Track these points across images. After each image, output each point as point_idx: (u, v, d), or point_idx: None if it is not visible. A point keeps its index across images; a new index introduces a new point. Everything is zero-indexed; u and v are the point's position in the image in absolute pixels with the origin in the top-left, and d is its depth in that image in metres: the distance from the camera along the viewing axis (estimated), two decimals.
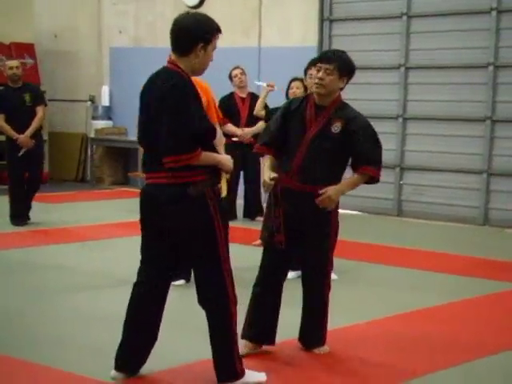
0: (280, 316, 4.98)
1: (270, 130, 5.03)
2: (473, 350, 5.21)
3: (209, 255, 4.25)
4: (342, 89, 4.88)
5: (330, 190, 4.71)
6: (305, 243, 4.87)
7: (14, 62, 9.62)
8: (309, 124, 4.82)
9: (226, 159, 4.39)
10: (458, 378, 4.75)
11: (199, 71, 4.35)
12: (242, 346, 4.79)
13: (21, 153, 9.33)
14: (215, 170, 4.31)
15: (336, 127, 4.78)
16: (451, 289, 6.95)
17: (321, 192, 4.70)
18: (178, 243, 4.31)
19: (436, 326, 5.75)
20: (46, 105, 9.78)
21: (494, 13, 10.30)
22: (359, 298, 6.55)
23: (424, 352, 5.12)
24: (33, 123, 9.39)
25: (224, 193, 4.53)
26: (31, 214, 9.60)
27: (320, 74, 4.77)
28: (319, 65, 4.80)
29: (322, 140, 4.77)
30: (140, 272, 4.44)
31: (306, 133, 4.81)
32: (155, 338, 4.44)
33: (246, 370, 4.41)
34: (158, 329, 4.45)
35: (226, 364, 4.33)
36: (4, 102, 9.45)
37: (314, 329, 5.01)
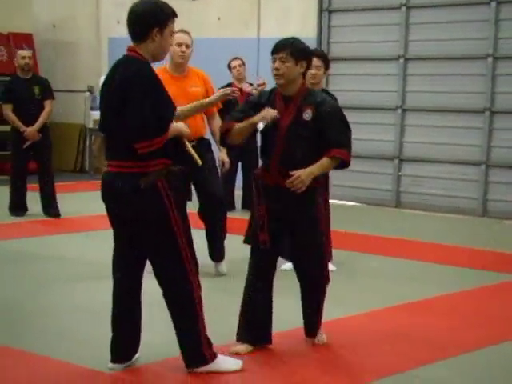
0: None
1: (238, 116, 4.83)
2: (472, 341, 5.21)
3: (166, 246, 4.24)
4: (303, 75, 4.79)
5: (301, 172, 4.59)
6: (295, 239, 4.80)
7: (25, 52, 9.66)
8: (280, 116, 4.71)
9: (182, 125, 4.40)
10: (456, 368, 4.74)
11: (158, 56, 4.30)
12: (244, 347, 4.76)
13: (25, 145, 9.32)
14: (175, 156, 4.28)
15: (307, 114, 4.70)
16: (450, 280, 6.95)
17: (292, 173, 4.60)
18: (134, 234, 4.30)
19: (435, 317, 5.75)
20: (53, 98, 9.74)
21: (493, 4, 10.29)
22: (357, 289, 6.55)
23: (423, 343, 5.12)
24: (40, 117, 9.35)
25: (199, 162, 4.65)
26: (35, 205, 9.48)
27: (276, 65, 4.71)
28: (274, 56, 4.75)
29: (298, 127, 4.69)
30: (113, 261, 4.45)
31: (280, 124, 4.70)
32: (138, 327, 4.43)
33: (220, 356, 4.39)
34: (140, 316, 4.44)
35: (193, 349, 4.31)
36: (13, 92, 9.42)
37: (313, 321, 4.98)
